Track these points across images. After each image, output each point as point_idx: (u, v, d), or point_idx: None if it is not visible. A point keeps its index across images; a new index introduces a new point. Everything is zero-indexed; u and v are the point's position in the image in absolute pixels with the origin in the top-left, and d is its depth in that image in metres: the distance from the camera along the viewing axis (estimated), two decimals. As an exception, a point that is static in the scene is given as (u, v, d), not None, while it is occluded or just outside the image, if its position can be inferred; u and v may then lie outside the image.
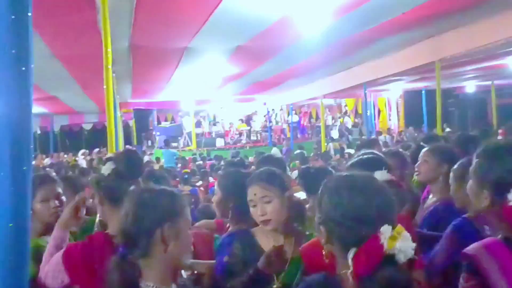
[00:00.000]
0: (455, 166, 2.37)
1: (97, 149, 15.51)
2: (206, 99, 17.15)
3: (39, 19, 5.41)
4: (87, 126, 19.82)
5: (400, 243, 1.18)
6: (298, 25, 6.44)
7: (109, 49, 4.77)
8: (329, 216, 1.29)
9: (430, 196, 2.81)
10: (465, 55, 7.62)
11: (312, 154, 11.90)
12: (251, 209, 2.09)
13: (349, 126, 20.53)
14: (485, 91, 17.55)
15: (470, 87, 17.78)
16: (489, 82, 14.61)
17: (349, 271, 1.21)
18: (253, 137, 20.24)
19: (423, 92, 15.74)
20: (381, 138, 15.36)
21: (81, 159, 13.32)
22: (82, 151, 16.03)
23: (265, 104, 19.29)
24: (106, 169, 2.12)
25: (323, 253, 1.34)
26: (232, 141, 19.94)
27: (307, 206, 2.40)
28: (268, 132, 19.33)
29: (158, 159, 13.72)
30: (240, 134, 20.39)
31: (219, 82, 11.85)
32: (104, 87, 4.76)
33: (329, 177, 1.42)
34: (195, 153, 16.36)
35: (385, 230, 1.20)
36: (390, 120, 20.96)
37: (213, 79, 11.42)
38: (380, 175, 1.84)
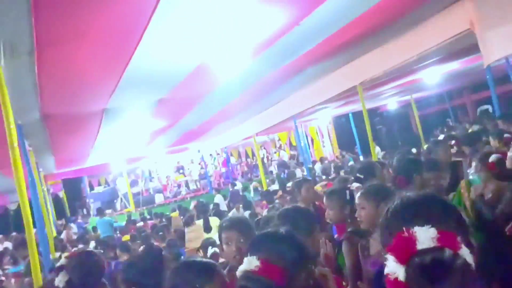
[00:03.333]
0: None
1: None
2: (137, 157, 16.54)
3: None
4: (13, 206, 18.39)
5: None
6: (216, 70, 6.28)
7: (12, 126, 4.33)
8: None
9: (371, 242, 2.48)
10: (384, 75, 7.81)
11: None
12: None
13: (286, 159, 20.60)
14: (406, 105, 18.47)
15: (392, 103, 18.57)
16: (408, 97, 15.33)
17: None
18: (192, 186, 19.72)
19: (350, 115, 16.16)
20: (320, 166, 15.45)
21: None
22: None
23: (199, 151, 18.97)
24: (59, 281, 1.79)
25: None
26: (172, 194, 19.31)
27: None
28: (206, 179, 18.91)
29: (94, 229, 12.88)
30: (179, 185, 19.81)
31: (147, 137, 11.44)
32: (12, 167, 4.31)
33: None
34: (133, 214, 15.60)
35: None
36: (324, 146, 21.30)
37: (140, 135, 11.00)
38: None
